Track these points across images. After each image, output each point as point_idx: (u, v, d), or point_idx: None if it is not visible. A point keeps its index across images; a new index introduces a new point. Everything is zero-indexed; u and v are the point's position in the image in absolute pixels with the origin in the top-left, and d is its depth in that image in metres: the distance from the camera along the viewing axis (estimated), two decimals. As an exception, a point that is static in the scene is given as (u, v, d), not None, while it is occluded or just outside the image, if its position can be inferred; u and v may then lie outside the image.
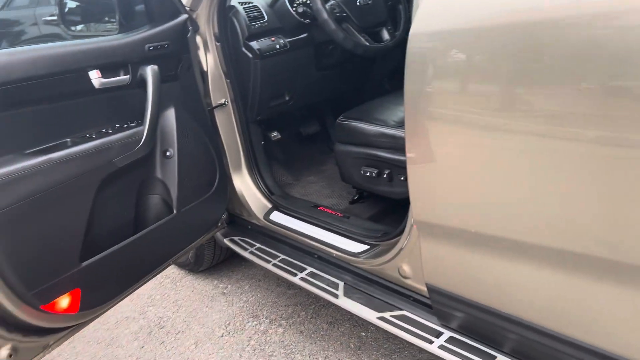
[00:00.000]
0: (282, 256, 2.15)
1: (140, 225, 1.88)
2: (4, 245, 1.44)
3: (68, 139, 1.64)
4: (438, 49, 1.25)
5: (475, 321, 1.49)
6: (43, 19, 8.00)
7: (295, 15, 2.29)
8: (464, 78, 1.23)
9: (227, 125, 2.28)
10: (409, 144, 1.38)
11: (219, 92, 2.24)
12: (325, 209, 2.22)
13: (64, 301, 1.60)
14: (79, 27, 2.12)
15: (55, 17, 8.10)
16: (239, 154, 2.35)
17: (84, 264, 1.63)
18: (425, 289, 1.61)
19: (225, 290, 2.77)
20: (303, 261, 2.08)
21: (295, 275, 2.02)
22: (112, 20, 2.08)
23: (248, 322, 2.48)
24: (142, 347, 2.42)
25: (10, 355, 1.57)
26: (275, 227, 2.23)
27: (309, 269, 2.03)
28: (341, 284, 1.91)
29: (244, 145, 2.34)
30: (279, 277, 2.76)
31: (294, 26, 2.33)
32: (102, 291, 1.74)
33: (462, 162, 1.30)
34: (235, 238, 2.36)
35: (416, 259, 1.61)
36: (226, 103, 2.26)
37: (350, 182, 2.21)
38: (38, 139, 1.57)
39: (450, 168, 1.33)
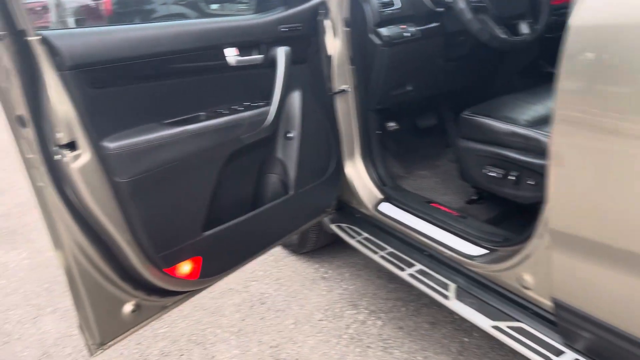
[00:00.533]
0: (390, 249, 2.11)
1: (258, 202, 1.92)
2: (140, 207, 1.52)
3: (202, 113, 1.70)
4: (607, 45, 1.13)
5: (607, 346, 1.36)
6: (171, -2, 8.46)
7: (429, 3, 2.22)
8: (636, 78, 1.11)
9: (345, 111, 2.27)
10: (556, 147, 1.27)
11: (342, 77, 2.22)
12: (440, 206, 2.14)
13: (185, 267, 1.68)
14: (214, 6, 2.18)
15: None
16: (353, 141, 2.33)
17: (206, 233, 1.69)
18: (549, 303, 1.50)
19: (325, 275, 2.78)
20: (412, 257, 2.03)
21: (403, 270, 1.97)
22: (245, 1, 2.13)
23: (347, 310, 2.47)
24: (244, 319, 2.49)
25: (133, 311, 1.67)
26: (385, 218, 2.19)
27: (418, 266, 1.97)
28: (452, 286, 1.83)
29: (360, 133, 2.32)
30: (379, 269, 2.73)
31: (426, 14, 2.26)
32: (220, 261, 1.80)
33: (621, 172, 1.17)
34: (343, 225, 2.35)
35: (542, 270, 1.50)
36: (348, 89, 2.25)
37: (470, 180, 2.11)
38: (176, 110, 1.64)
39: (606, 178, 1.20)
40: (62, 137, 1.39)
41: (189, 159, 1.60)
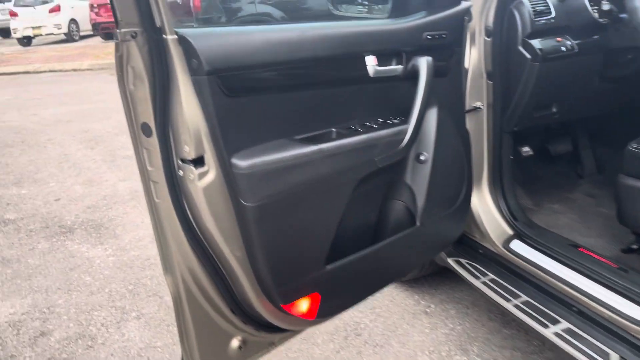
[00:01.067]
0: (525, 297, 1.82)
1: (380, 232, 1.69)
2: (265, 235, 1.32)
3: (333, 129, 1.49)
4: None
5: None
6: (260, -4, 8.41)
7: (593, 13, 1.91)
8: None
9: (476, 132, 1.99)
10: None
11: (475, 93, 1.95)
12: (589, 252, 1.82)
13: (303, 304, 1.46)
14: (342, 8, 1.97)
15: None
16: (481, 166, 2.05)
17: (328, 267, 1.47)
18: None
19: (427, 310, 2.51)
20: (556, 311, 1.72)
21: (546, 326, 1.67)
22: (377, 2, 1.90)
23: (456, 354, 2.19)
24: (338, 352, 2.27)
25: (239, 347, 1.48)
26: (517, 259, 1.90)
27: (565, 324, 1.66)
28: (615, 356, 1.52)
29: (490, 157, 2.03)
30: (489, 309, 2.43)
31: (585, 26, 1.94)
32: (338, 300, 1.57)
33: None
34: (463, 260, 2.07)
35: None
36: (481, 107, 1.97)
37: (633, 226, 1.78)
38: (306, 124, 1.43)
39: None
40: (189, 151, 1.21)
41: (321, 183, 1.39)
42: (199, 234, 1.30)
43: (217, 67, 1.20)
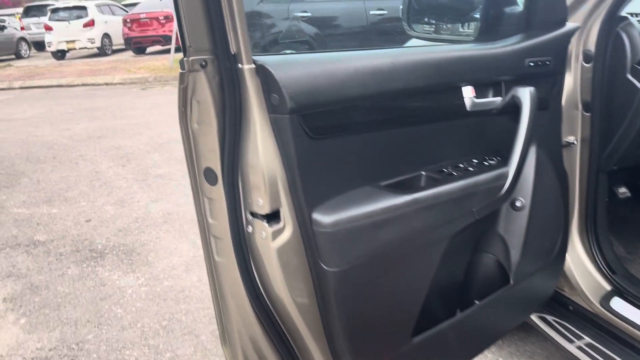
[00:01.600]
0: (633, 369, 1.54)
1: (468, 291, 1.44)
2: (344, 304, 1.09)
3: (423, 173, 1.25)
4: None
5: None
6: (295, 14, 8.30)
7: None
8: None
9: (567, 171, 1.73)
10: None
11: (567, 127, 1.70)
12: None
13: (385, 384, 1.22)
14: (419, 29, 1.74)
15: (306, 14, 8.38)
16: (572, 210, 1.79)
17: (415, 340, 1.23)
18: None
19: (497, 364, 2.23)
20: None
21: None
22: (464, 21, 1.66)
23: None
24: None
25: None
26: (621, 321, 1.62)
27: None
28: None
29: (582, 200, 1.77)
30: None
31: None
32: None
33: None
34: (549, 318, 1.80)
35: None
36: (574, 142, 1.71)
37: None
38: (394, 166, 1.21)
39: None
40: (262, 204, 0.99)
41: (413, 240, 1.16)
42: (267, 301, 1.08)
43: (302, 104, 0.98)
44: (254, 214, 1.03)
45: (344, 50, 1.16)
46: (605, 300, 1.69)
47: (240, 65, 0.95)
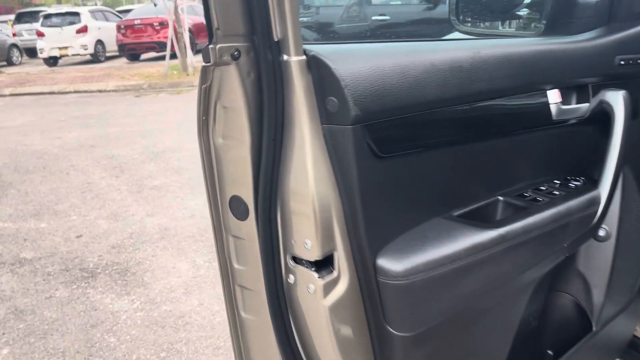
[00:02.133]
0: None
1: (543, 338, 1.18)
2: None
3: (500, 197, 1.00)
4: None
5: None
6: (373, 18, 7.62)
7: None
8: None
9: None
10: None
11: None
12: None
13: None
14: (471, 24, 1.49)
15: (384, 18, 7.77)
16: None
17: None
18: None
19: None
20: None
21: None
22: (525, 14, 1.41)
23: None
24: None
25: None
26: None
27: None
28: None
29: None
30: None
31: None
32: None
33: None
34: None
35: None
36: None
37: None
38: (465, 189, 0.95)
39: None
40: (311, 246, 0.73)
41: (501, 288, 0.90)
42: None
43: (369, 110, 0.73)
44: (297, 260, 0.78)
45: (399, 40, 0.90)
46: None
47: (286, 57, 0.70)
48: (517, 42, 1.08)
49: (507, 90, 0.96)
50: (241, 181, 0.77)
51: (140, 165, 5.46)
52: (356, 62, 0.75)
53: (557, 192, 1.05)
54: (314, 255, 0.76)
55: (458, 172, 0.94)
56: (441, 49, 0.92)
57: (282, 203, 0.77)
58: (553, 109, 1.03)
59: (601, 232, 1.18)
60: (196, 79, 10.99)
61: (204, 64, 0.72)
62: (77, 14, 16.60)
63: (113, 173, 5.24)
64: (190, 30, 13.03)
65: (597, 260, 1.18)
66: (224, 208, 0.81)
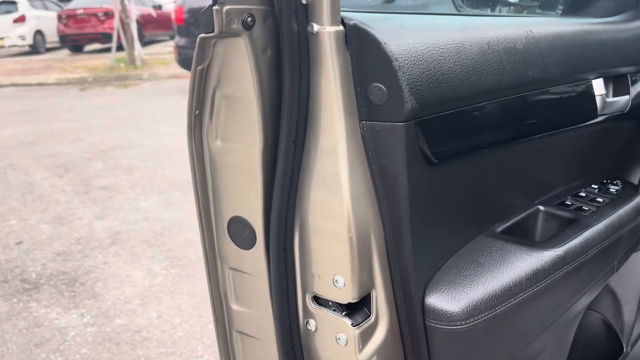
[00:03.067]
0: None
1: None
2: None
3: (540, 207, 0.84)
4: None
5: None
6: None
7: None
8: None
9: None
10: None
11: None
12: None
13: None
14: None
15: None
16: None
17: None
18: None
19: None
20: None
21: None
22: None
23: None
24: None
25: None
26: None
27: None
28: None
29: None
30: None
31: None
32: None
33: None
34: None
35: None
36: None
37: None
38: (502, 200, 0.79)
39: None
40: (344, 285, 0.54)
41: (558, 319, 0.74)
42: None
43: (426, 102, 0.54)
44: (321, 301, 0.59)
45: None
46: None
47: (316, 27, 0.51)
48: (565, 22, 0.93)
49: (559, 78, 0.81)
50: (246, 198, 0.58)
51: (86, 163, 5.09)
52: (408, 37, 0.57)
53: (600, 199, 0.91)
54: (348, 296, 0.58)
55: (502, 178, 0.78)
56: (493, 25, 0.76)
57: (301, 226, 0.58)
58: (599, 101, 0.88)
59: (633, 243, 1.05)
60: (145, 72, 10.54)
61: (202, 34, 0.52)
62: (13, 2, 15.65)
63: (57, 172, 4.86)
64: (137, 22, 12.49)
65: (629, 274, 1.06)
66: (219, 233, 0.62)
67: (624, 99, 0.96)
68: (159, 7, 15.92)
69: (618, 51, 0.95)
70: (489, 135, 0.73)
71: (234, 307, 0.67)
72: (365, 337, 0.61)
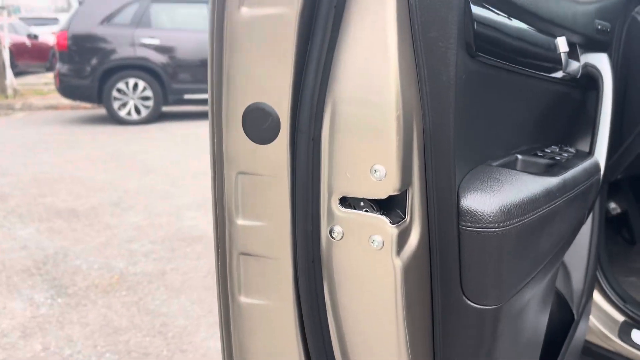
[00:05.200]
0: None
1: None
2: None
3: (518, 156, 0.84)
4: None
5: None
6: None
7: None
8: None
9: None
10: None
11: None
12: None
13: None
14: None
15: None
16: None
17: None
18: None
19: None
20: None
21: None
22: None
23: None
24: None
25: None
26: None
27: None
28: None
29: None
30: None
31: None
32: None
33: None
34: None
35: None
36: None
37: None
38: (493, 140, 0.78)
39: None
40: (386, 176, 0.49)
41: (560, 247, 0.73)
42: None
43: None
44: (347, 201, 0.51)
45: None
46: (625, 333, 1.42)
47: None
48: None
49: (533, 22, 0.82)
50: (271, 78, 0.49)
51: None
52: None
53: (564, 155, 0.94)
54: (389, 188, 0.50)
55: (495, 114, 0.76)
56: None
57: (333, 113, 0.50)
58: (563, 58, 0.92)
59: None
60: (17, 102, 9.65)
61: None
62: None
63: None
64: (10, 50, 11.53)
65: (576, 243, 1.09)
66: (230, 129, 0.51)
67: (577, 64, 1.01)
68: (35, 36, 14.87)
69: (573, 19, 1.01)
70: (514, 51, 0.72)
71: (240, 222, 0.57)
72: (402, 239, 0.54)
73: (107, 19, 7.54)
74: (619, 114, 1.40)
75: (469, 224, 0.58)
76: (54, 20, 16.35)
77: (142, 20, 7.59)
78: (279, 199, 0.54)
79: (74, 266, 3.04)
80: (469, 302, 0.59)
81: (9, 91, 10.35)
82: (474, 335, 0.60)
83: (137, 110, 7.70)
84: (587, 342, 1.48)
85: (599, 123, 1.00)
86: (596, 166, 0.96)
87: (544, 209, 0.66)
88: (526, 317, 0.73)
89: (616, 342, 1.42)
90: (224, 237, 0.58)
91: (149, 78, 7.60)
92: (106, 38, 7.55)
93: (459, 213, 0.58)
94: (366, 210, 0.55)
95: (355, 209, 0.55)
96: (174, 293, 2.72)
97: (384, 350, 0.56)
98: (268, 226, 0.56)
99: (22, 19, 17.40)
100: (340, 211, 0.55)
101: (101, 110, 8.39)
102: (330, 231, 0.56)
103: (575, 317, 1.10)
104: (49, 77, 11.80)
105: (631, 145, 1.46)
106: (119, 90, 7.59)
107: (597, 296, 1.48)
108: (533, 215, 0.63)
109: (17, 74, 12.57)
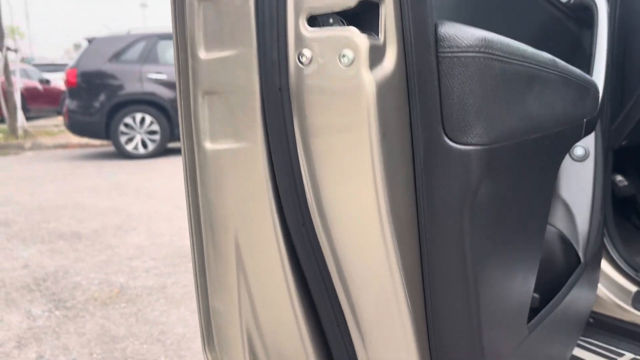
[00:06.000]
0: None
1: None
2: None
3: None
4: None
5: None
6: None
7: None
8: None
9: None
10: None
11: None
12: None
13: None
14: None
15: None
16: None
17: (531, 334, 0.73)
18: None
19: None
20: None
21: None
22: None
23: None
24: None
25: None
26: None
27: None
28: None
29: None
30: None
31: None
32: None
33: None
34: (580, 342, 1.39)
35: None
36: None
37: None
38: None
39: None
40: None
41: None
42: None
43: None
44: (319, 21, 0.48)
45: None
46: (637, 301, 1.35)
47: None
48: None
49: None
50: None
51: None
52: None
53: None
54: None
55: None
56: None
57: None
58: None
59: (579, 151, 1.05)
60: (27, 142, 9.79)
61: None
62: None
63: None
64: (22, 94, 11.81)
65: (578, 185, 1.04)
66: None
67: None
68: (47, 81, 15.24)
69: None
70: None
71: (203, 56, 0.52)
72: (374, 54, 0.50)
73: (116, 56, 7.71)
74: (616, 55, 1.35)
75: (448, 49, 0.54)
76: (66, 66, 16.78)
77: (149, 57, 7.75)
78: (243, 24, 0.50)
79: (73, 282, 2.99)
80: (450, 141, 0.55)
81: (20, 132, 10.52)
82: (458, 178, 0.54)
83: (144, 145, 7.77)
84: (593, 313, 1.41)
85: (595, 54, 0.97)
86: (595, 85, 0.92)
87: (528, 64, 0.62)
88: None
89: (632, 312, 1.34)
90: (186, 75, 0.54)
91: (156, 112, 7.71)
92: (114, 74, 7.70)
93: (437, 39, 0.54)
94: (335, 23, 0.51)
95: (326, 24, 0.52)
96: (174, 304, 2.66)
97: (359, 175, 0.51)
98: (233, 56, 0.52)
99: (35, 65, 17.89)
100: (308, 31, 0.51)
101: (109, 148, 8.48)
102: (299, 56, 0.52)
103: (582, 259, 1.03)
104: (60, 119, 12.00)
105: (633, 108, 1.42)
106: (126, 125, 7.69)
107: (606, 267, 1.42)
108: (517, 58, 0.59)
109: (29, 118, 12.83)
